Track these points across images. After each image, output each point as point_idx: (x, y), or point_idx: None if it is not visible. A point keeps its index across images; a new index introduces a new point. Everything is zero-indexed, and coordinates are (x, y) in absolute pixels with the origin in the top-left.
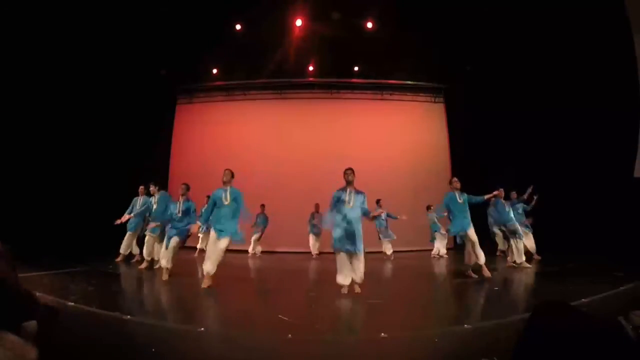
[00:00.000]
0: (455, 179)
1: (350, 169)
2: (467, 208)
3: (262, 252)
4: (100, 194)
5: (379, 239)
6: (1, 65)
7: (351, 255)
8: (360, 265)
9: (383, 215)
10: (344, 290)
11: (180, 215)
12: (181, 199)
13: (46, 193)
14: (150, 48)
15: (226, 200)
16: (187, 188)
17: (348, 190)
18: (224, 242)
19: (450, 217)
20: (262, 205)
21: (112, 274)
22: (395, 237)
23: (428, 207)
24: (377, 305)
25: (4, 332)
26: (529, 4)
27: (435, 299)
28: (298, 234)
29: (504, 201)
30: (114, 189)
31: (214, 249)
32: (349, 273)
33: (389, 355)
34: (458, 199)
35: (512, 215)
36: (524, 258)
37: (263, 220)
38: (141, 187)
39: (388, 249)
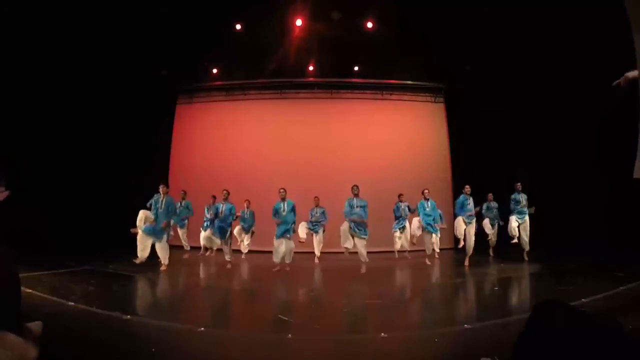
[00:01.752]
0: (426, 190)
1: (356, 185)
2: (432, 214)
3: (262, 252)
4: (100, 194)
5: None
6: (2, 65)
7: (357, 237)
8: (363, 249)
9: (402, 206)
10: (348, 251)
11: (222, 215)
12: (223, 203)
13: (46, 193)
14: (150, 48)
15: (284, 211)
16: (228, 193)
17: (355, 199)
18: (291, 242)
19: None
20: (247, 201)
21: (112, 274)
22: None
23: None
24: (377, 305)
25: (4, 332)
26: (529, 3)
27: (435, 298)
28: (298, 233)
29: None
30: (114, 189)
31: (284, 249)
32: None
33: (389, 355)
34: (426, 206)
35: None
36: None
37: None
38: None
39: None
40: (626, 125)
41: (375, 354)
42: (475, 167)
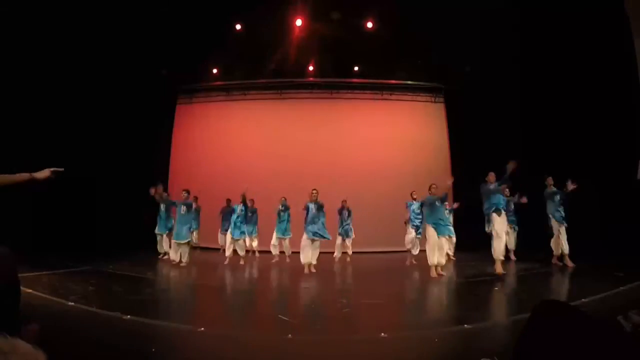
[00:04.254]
0: (434, 185)
1: (345, 199)
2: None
3: (262, 251)
4: (99, 194)
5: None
6: (2, 64)
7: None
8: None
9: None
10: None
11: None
12: (240, 206)
13: (46, 192)
14: (151, 48)
15: (314, 210)
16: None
17: (346, 208)
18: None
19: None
20: (252, 200)
21: (112, 274)
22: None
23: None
24: (377, 305)
25: (16, 340)
26: (529, 4)
27: (435, 298)
28: (298, 233)
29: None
30: (113, 189)
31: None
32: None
33: (389, 355)
34: (436, 203)
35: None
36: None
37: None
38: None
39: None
40: (628, 126)
41: (375, 354)
42: (475, 167)
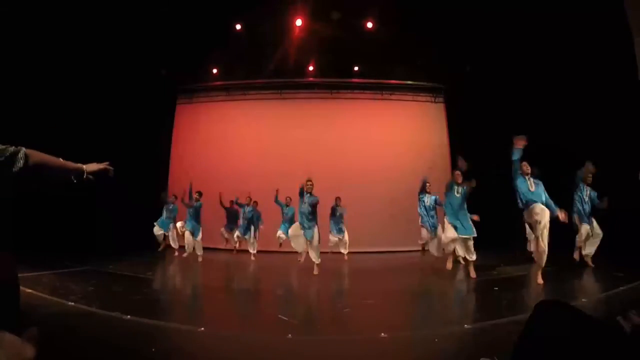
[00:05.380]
0: (457, 172)
1: (339, 197)
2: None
3: (263, 252)
4: (99, 194)
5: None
6: (2, 65)
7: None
8: (345, 241)
9: (427, 200)
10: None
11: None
12: (246, 208)
13: (45, 192)
14: (150, 48)
15: (304, 204)
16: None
17: (339, 205)
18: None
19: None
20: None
21: (112, 274)
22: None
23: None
24: (377, 305)
25: (1, 332)
26: (529, 4)
27: (435, 298)
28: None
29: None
30: (113, 189)
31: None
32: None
33: (389, 355)
34: (456, 192)
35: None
36: None
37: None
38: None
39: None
40: (628, 126)
41: (375, 354)
42: (475, 167)
